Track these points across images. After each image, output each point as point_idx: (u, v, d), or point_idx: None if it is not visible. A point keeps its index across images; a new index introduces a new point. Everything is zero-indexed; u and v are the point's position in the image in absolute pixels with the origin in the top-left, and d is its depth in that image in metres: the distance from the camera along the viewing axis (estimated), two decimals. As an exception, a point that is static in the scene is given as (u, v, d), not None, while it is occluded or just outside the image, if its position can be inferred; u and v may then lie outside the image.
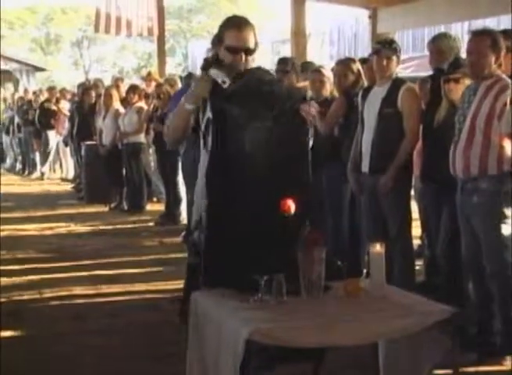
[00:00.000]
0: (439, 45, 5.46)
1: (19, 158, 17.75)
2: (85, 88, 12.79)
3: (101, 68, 40.68)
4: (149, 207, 10.60)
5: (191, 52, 28.72)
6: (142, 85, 11.86)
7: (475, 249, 4.35)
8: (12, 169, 18.09)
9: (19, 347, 4.89)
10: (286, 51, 13.90)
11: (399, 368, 3.31)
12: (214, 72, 3.40)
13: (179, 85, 9.22)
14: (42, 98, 15.63)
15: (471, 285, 4.63)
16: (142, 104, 10.37)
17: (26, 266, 7.16)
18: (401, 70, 8.95)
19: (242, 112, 3.37)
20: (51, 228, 9.49)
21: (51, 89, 16.12)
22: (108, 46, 41.15)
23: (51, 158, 15.78)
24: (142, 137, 10.33)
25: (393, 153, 5.21)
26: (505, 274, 4.24)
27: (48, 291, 6.26)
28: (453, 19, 11.81)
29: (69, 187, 13.95)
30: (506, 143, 4.18)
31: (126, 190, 10.72)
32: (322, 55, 20.91)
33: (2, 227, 9.17)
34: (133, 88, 10.70)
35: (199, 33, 37.69)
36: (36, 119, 15.32)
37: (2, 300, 5.96)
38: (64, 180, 15.07)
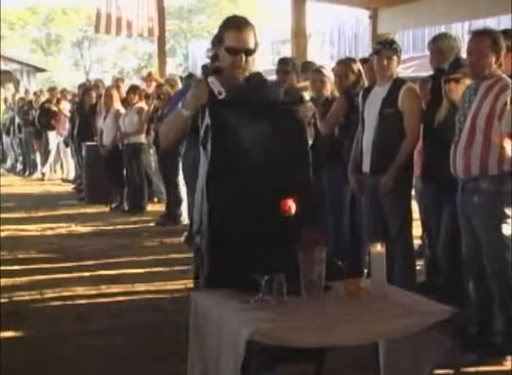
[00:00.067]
0: (440, 45, 5.46)
1: (20, 158, 17.77)
2: (86, 89, 12.80)
3: (102, 68, 40.72)
4: (150, 207, 10.60)
5: (192, 53, 28.76)
6: (142, 85, 11.86)
7: (476, 249, 4.35)
8: (12, 170, 18.11)
9: (20, 347, 4.89)
10: (287, 52, 13.90)
11: (399, 368, 3.31)
12: (212, 80, 3.41)
13: (180, 85, 9.22)
14: (43, 99, 15.64)
15: (472, 285, 4.63)
16: (142, 104, 10.37)
17: (26, 267, 7.17)
18: (402, 70, 8.95)
19: (240, 116, 3.39)
20: (51, 228, 9.49)
21: (51, 90, 16.14)
22: (108, 46, 41.20)
23: (51, 158, 15.79)
24: (143, 138, 10.33)
25: (394, 153, 5.21)
26: (505, 274, 4.24)
27: (48, 291, 6.27)
28: (453, 19, 11.82)
29: (69, 187, 13.96)
30: (507, 143, 4.18)
31: (126, 190, 10.73)
32: (323, 55, 20.92)
33: (3, 228, 9.18)
34: (133, 89, 10.71)
35: (199, 34, 37.73)
36: (36, 120, 15.32)
37: (3, 300, 5.96)
38: (65, 180, 15.08)
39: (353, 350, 3.53)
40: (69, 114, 14.13)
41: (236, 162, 3.38)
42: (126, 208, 10.62)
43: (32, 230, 9.42)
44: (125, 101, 10.82)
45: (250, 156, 3.39)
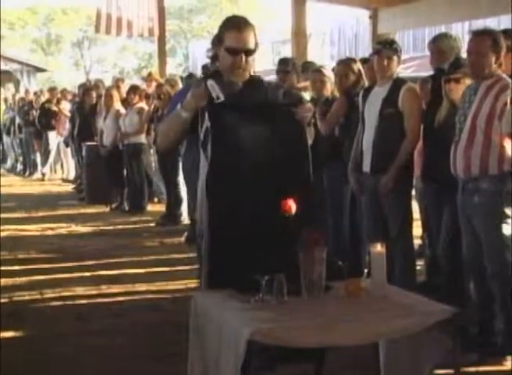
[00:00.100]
0: (440, 45, 5.46)
1: (20, 158, 17.77)
2: (86, 89, 12.80)
3: (102, 68, 40.72)
4: (150, 207, 10.60)
5: (192, 53, 28.76)
6: (143, 86, 11.86)
7: (476, 249, 4.35)
8: (12, 170, 18.11)
9: (20, 347, 4.89)
10: (287, 52, 13.92)
11: (399, 368, 3.31)
12: (211, 84, 3.41)
13: (180, 85, 9.23)
14: (43, 99, 15.64)
15: (472, 285, 4.63)
16: (143, 104, 10.37)
17: (27, 267, 7.17)
18: (402, 70, 8.96)
19: (239, 118, 3.40)
20: (52, 229, 9.49)
21: (51, 90, 16.14)
22: (108, 47, 41.20)
23: (51, 158, 15.79)
24: (143, 138, 10.33)
25: (394, 153, 5.21)
26: (506, 274, 4.24)
27: (49, 291, 6.26)
28: (453, 19, 11.82)
29: (70, 187, 13.96)
30: (507, 143, 4.18)
31: (126, 190, 10.73)
32: (323, 55, 20.93)
33: (3, 228, 9.18)
34: (133, 89, 10.71)
35: (200, 34, 37.72)
36: (37, 120, 15.32)
37: (3, 300, 5.96)
38: (65, 180, 15.08)
39: (353, 350, 3.53)
40: (69, 114, 14.13)
41: (236, 164, 3.39)
42: (127, 208, 10.62)
43: (32, 230, 9.42)
44: (125, 102, 10.82)
45: (250, 157, 3.40)
